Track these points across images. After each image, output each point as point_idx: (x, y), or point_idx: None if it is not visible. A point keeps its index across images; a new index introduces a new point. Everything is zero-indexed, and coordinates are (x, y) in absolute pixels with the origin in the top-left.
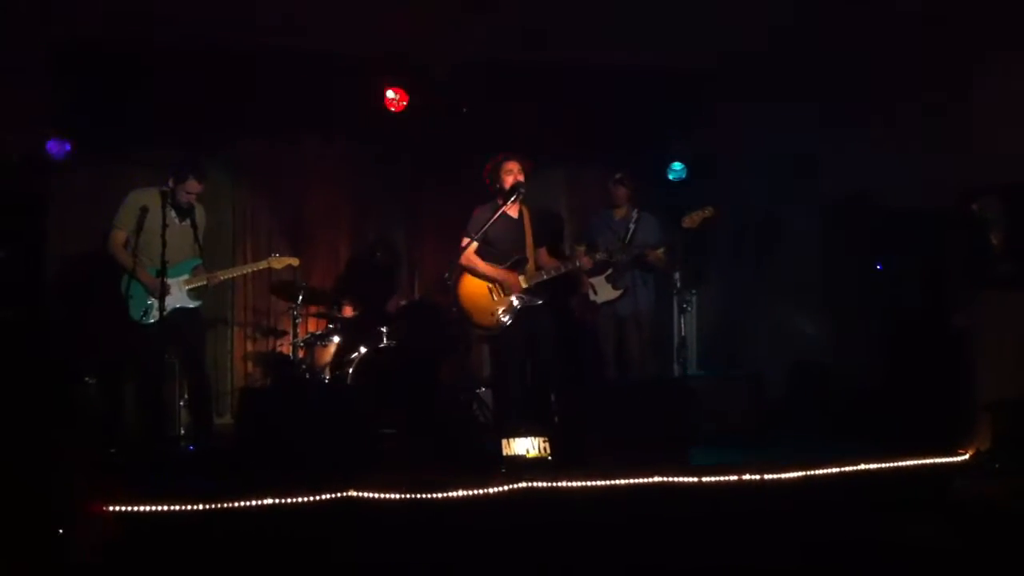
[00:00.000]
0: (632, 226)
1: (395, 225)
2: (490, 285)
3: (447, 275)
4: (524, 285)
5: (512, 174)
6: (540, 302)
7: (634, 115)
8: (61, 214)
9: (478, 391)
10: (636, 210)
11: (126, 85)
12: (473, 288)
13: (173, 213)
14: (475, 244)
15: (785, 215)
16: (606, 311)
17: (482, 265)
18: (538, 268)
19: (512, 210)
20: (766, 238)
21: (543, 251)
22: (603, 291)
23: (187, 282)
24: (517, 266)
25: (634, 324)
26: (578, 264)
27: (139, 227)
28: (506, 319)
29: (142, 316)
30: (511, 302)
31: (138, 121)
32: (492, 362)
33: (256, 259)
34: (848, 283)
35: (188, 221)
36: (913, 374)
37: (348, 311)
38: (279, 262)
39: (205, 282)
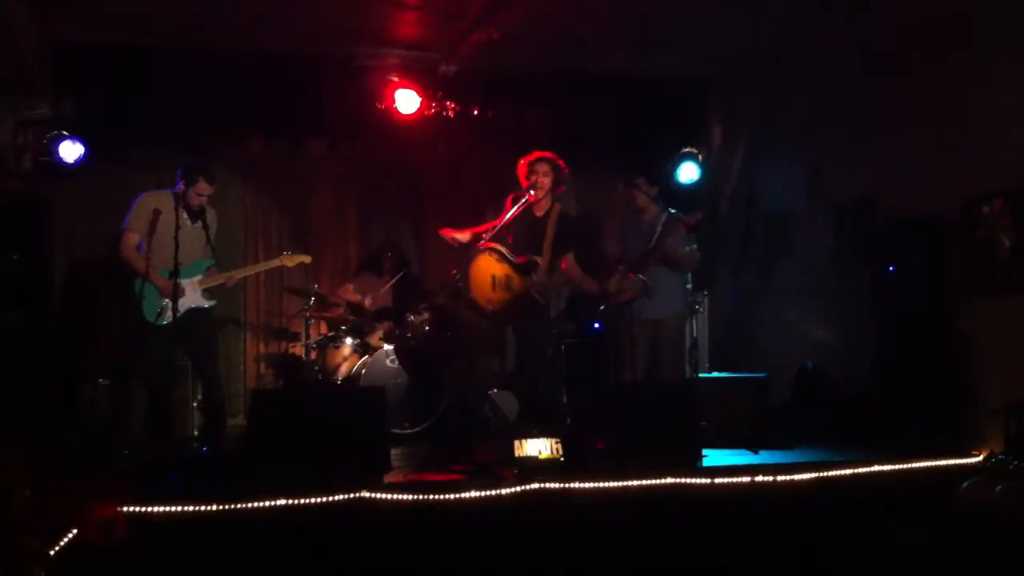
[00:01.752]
0: (659, 228)
1: (404, 226)
2: (495, 274)
3: (457, 274)
4: (528, 287)
5: (536, 175)
6: (540, 303)
7: (642, 119)
8: (69, 217)
9: (489, 392)
10: (665, 213)
11: (132, 88)
12: (481, 269)
13: (185, 215)
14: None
15: (792, 218)
16: (633, 316)
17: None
18: (551, 273)
19: (539, 208)
20: (774, 242)
21: (571, 258)
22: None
23: (201, 282)
24: (527, 267)
25: (659, 330)
26: (606, 286)
27: (152, 230)
28: (499, 311)
29: (156, 318)
30: (511, 299)
31: (144, 124)
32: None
33: (267, 260)
34: (855, 286)
35: (200, 223)
36: (922, 377)
37: (351, 298)
38: (291, 260)
39: (223, 281)
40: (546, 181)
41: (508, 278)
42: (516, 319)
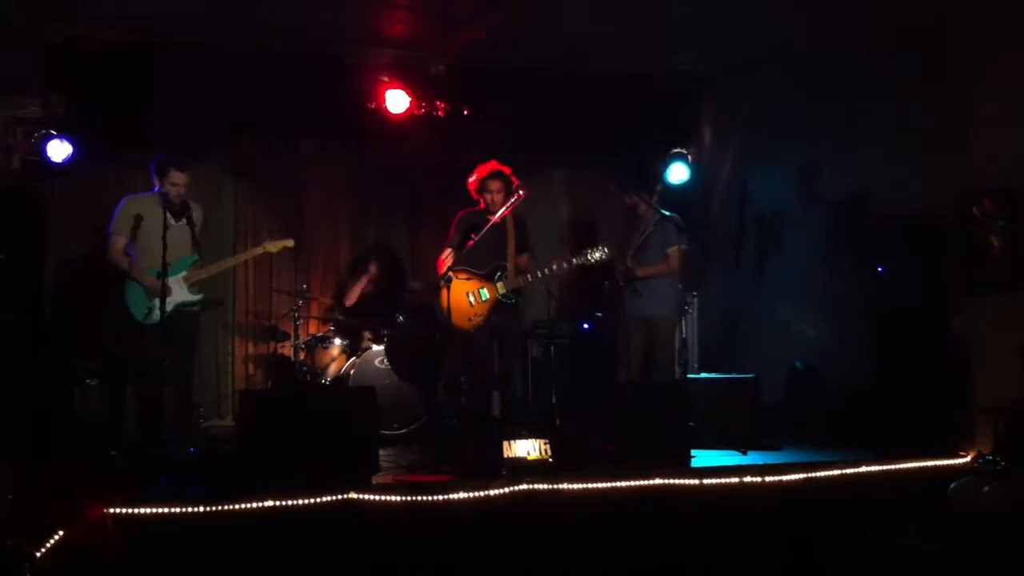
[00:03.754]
0: (650, 228)
1: (395, 225)
2: (469, 291)
3: (441, 282)
4: (502, 291)
5: (491, 193)
6: (513, 302)
7: (634, 118)
8: (60, 216)
9: (479, 393)
10: (658, 215)
11: (123, 87)
12: (454, 295)
13: (169, 215)
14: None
15: (785, 218)
16: (630, 313)
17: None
18: (518, 273)
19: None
20: (766, 241)
21: (525, 256)
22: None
23: (187, 278)
24: (496, 273)
25: (651, 328)
26: (554, 268)
27: (133, 234)
28: (483, 323)
29: (145, 316)
30: (488, 308)
31: (136, 122)
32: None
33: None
34: (847, 287)
35: (184, 220)
36: (912, 378)
37: (349, 306)
38: (274, 245)
39: (210, 274)
40: (499, 198)
41: (480, 290)
42: (496, 323)
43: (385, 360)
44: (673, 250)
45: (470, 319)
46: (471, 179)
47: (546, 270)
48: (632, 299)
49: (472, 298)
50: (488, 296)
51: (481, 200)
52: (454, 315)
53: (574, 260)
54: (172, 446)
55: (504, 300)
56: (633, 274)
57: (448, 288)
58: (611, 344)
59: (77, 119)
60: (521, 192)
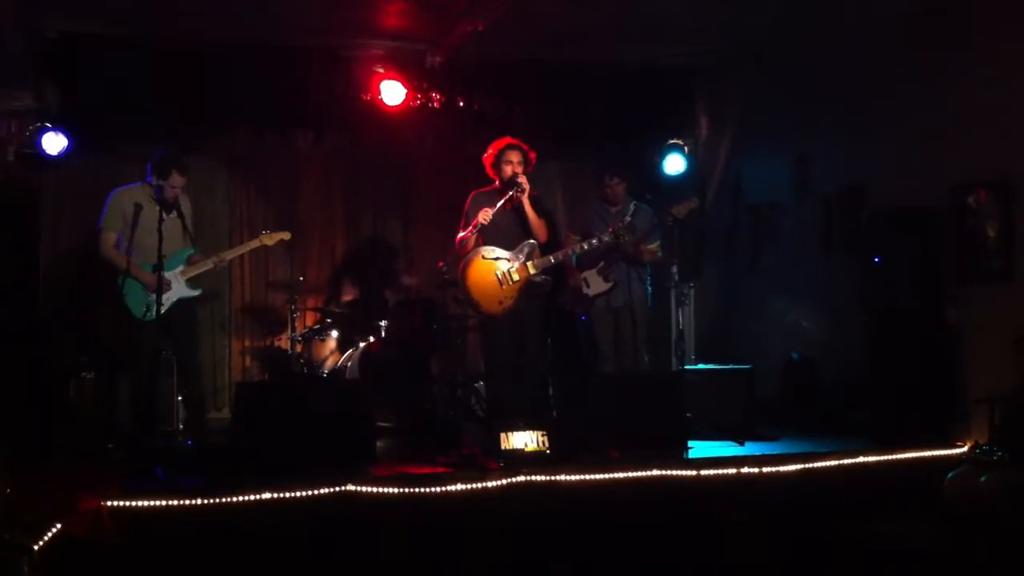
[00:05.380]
0: (628, 218)
1: (390, 218)
2: (498, 272)
3: (443, 266)
4: (532, 271)
5: (511, 165)
6: (545, 286)
7: (630, 110)
8: (55, 209)
9: (475, 385)
10: (633, 202)
11: (118, 79)
12: (481, 276)
13: (158, 208)
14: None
15: (780, 209)
16: (600, 304)
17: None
18: (546, 252)
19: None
20: (761, 233)
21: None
22: (595, 284)
23: (184, 272)
24: (526, 252)
25: (628, 316)
26: (593, 243)
27: (134, 225)
28: (513, 306)
29: (143, 313)
30: (519, 290)
31: (130, 115)
32: (483, 356)
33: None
34: (843, 277)
35: (175, 213)
36: (907, 368)
37: (345, 298)
38: (271, 238)
39: (207, 268)
40: (519, 170)
41: (510, 269)
42: (523, 309)
43: (381, 352)
44: (655, 246)
45: (500, 302)
46: (487, 154)
47: (584, 245)
48: (613, 289)
49: (502, 279)
50: (519, 277)
51: (498, 178)
52: (483, 299)
53: (608, 237)
54: (168, 438)
55: (535, 280)
56: (639, 253)
57: (468, 270)
58: (591, 335)
59: (71, 111)
60: (527, 186)
